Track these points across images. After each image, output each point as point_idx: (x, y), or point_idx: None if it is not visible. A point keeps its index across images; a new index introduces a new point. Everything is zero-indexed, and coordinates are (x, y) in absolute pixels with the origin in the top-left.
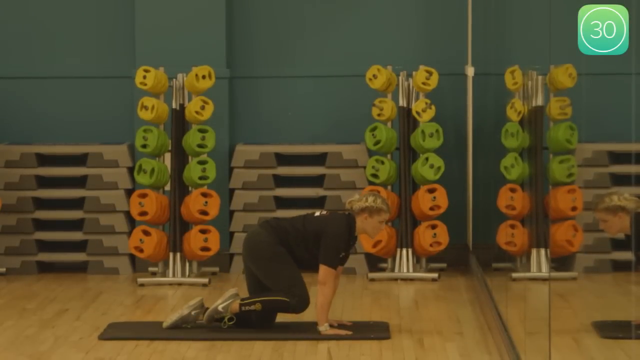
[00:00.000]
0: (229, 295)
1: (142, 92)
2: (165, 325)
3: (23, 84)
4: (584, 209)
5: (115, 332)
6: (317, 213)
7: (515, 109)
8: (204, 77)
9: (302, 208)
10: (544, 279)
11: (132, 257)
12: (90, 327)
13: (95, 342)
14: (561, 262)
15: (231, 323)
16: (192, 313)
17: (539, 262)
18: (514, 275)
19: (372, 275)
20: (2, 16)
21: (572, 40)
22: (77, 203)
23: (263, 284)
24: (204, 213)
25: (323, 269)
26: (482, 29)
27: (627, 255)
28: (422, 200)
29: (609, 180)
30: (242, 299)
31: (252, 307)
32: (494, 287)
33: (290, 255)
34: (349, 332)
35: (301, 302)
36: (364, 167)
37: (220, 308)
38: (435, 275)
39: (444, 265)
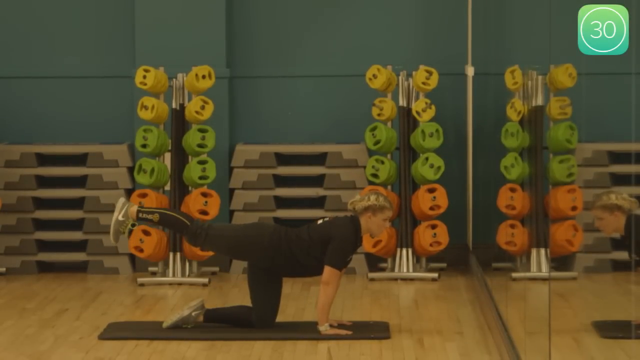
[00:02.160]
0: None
1: (142, 92)
2: (165, 325)
3: (23, 83)
4: (584, 209)
5: (115, 332)
6: (320, 221)
7: (515, 109)
8: (204, 77)
9: (302, 208)
10: (544, 279)
11: (132, 257)
12: (90, 327)
13: (95, 342)
14: (561, 262)
15: (134, 228)
16: (192, 314)
17: (539, 262)
18: (514, 275)
19: (372, 275)
20: (2, 16)
21: (572, 40)
22: (77, 203)
23: (264, 284)
24: (204, 213)
25: (328, 269)
26: (482, 29)
27: (626, 255)
28: (422, 200)
29: (609, 180)
30: (141, 206)
31: (150, 217)
32: (494, 287)
33: (295, 263)
34: (349, 332)
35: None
36: (364, 167)
37: (120, 217)
38: (435, 275)
39: (444, 265)
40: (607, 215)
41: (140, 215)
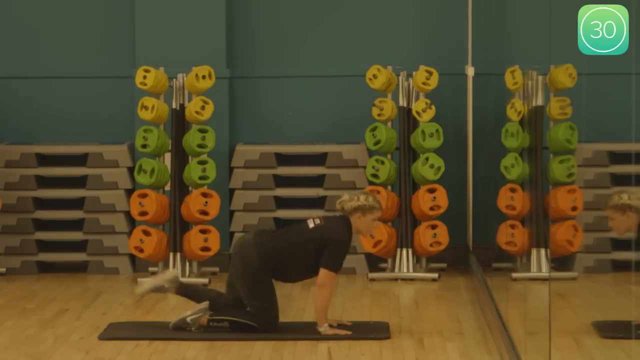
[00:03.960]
0: (198, 308)
1: (142, 92)
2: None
3: (23, 83)
4: (584, 209)
5: (115, 332)
6: (312, 225)
7: (515, 109)
8: (204, 77)
9: (302, 208)
10: (544, 279)
11: (132, 257)
12: (90, 327)
13: (95, 342)
14: (561, 262)
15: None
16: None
17: (539, 262)
18: (514, 275)
19: (372, 275)
20: (2, 16)
21: (572, 40)
22: (77, 203)
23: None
24: (204, 213)
25: (324, 272)
26: (482, 29)
27: (628, 255)
28: (422, 200)
29: (609, 180)
30: (212, 315)
31: (220, 325)
32: (494, 287)
33: (287, 269)
34: (349, 332)
35: (268, 327)
36: (364, 167)
37: (188, 320)
38: (435, 275)
39: (444, 265)
40: (618, 216)
41: (210, 324)
